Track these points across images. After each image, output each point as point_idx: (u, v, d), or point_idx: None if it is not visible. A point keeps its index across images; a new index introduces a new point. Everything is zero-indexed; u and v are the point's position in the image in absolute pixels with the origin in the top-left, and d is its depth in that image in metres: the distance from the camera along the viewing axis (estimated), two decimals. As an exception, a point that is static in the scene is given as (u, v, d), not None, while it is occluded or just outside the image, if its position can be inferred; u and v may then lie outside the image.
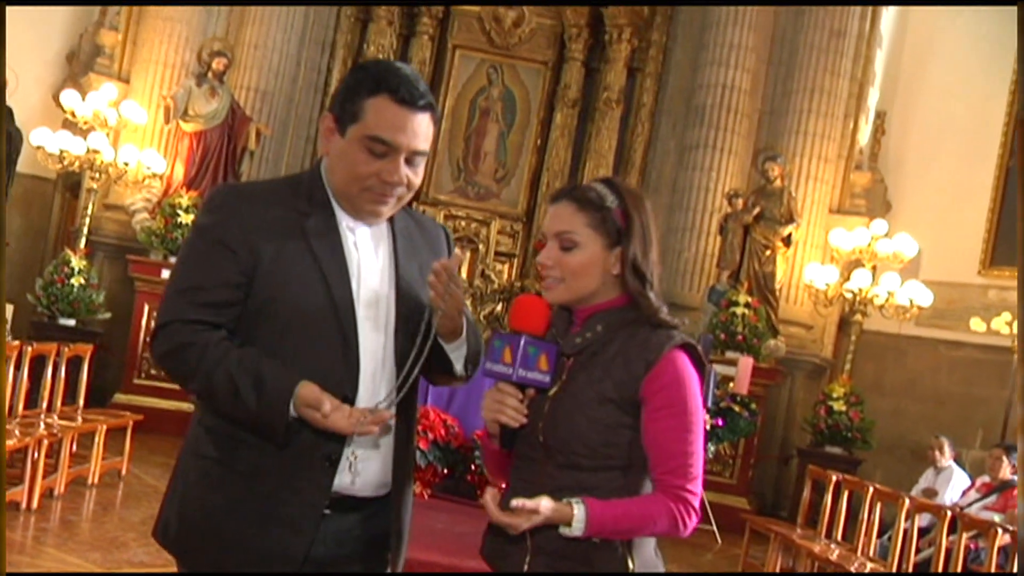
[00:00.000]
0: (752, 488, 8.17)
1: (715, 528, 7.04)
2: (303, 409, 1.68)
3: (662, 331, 1.75)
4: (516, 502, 1.64)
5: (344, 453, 1.76)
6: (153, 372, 7.93)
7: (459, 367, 1.86)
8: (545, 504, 1.64)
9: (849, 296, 8.18)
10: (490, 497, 1.67)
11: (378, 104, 1.72)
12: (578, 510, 1.65)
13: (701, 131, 9.01)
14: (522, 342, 1.71)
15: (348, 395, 1.74)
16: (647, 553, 1.77)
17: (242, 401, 1.70)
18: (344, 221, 1.81)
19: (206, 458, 1.79)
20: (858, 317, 8.18)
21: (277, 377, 1.70)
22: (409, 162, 1.76)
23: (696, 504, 1.72)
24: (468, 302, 8.82)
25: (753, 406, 7.37)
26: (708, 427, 7.05)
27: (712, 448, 7.23)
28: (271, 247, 1.74)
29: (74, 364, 6.12)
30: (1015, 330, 7.74)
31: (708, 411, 7.01)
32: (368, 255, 1.82)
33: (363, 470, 1.79)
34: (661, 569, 1.81)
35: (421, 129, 1.75)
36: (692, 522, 1.72)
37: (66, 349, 5.94)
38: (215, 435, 1.79)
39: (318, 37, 9.63)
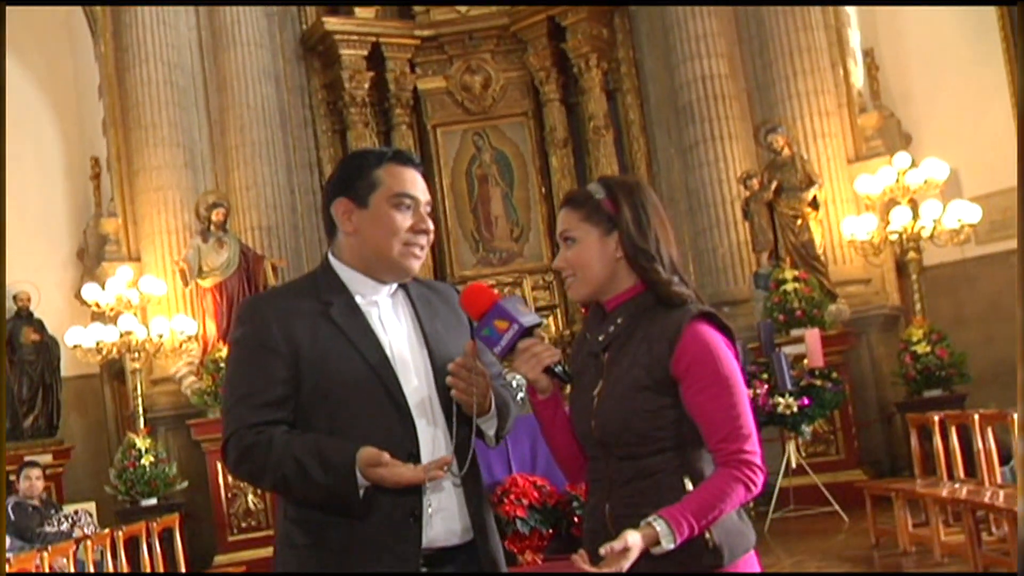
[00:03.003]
0: (863, 458, 8.12)
1: (839, 508, 7.01)
2: (368, 470, 1.84)
3: (678, 309, 1.87)
4: (604, 548, 1.71)
5: (424, 505, 1.93)
6: (244, 525, 8.17)
7: (491, 433, 2.05)
8: (632, 539, 1.71)
9: (896, 238, 8.18)
10: (579, 558, 1.75)
11: (390, 170, 2.01)
12: (660, 526, 1.73)
13: (695, 128, 9.19)
14: (499, 305, 1.92)
15: (413, 452, 1.93)
16: (727, 522, 1.83)
17: (313, 481, 1.87)
18: (362, 300, 2.03)
19: (299, 547, 1.96)
20: (912, 255, 8.16)
21: (338, 449, 1.88)
22: (427, 214, 2.04)
23: (758, 461, 1.81)
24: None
25: (834, 375, 7.42)
26: (796, 410, 7.04)
27: (807, 429, 7.22)
28: (306, 337, 1.96)
29: (167, 538, 6.40)
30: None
31: (790, 394, 7.05)
32: (393, 325, 2.04)
33: (443, 518, 1.97)
34: (747, 530, 1.88)
35: (424, 185, 2.05)
36: (760, 479, 1.81)
37: (154, 525, 6.21)
38: (302, 524, 1.96)
39: (303, 161, 10.03)
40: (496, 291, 1.98)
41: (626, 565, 1.70)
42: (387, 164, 2.01)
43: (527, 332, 1.90)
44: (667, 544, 1.73)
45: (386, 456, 1.83)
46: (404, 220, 1.99)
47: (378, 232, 2.00)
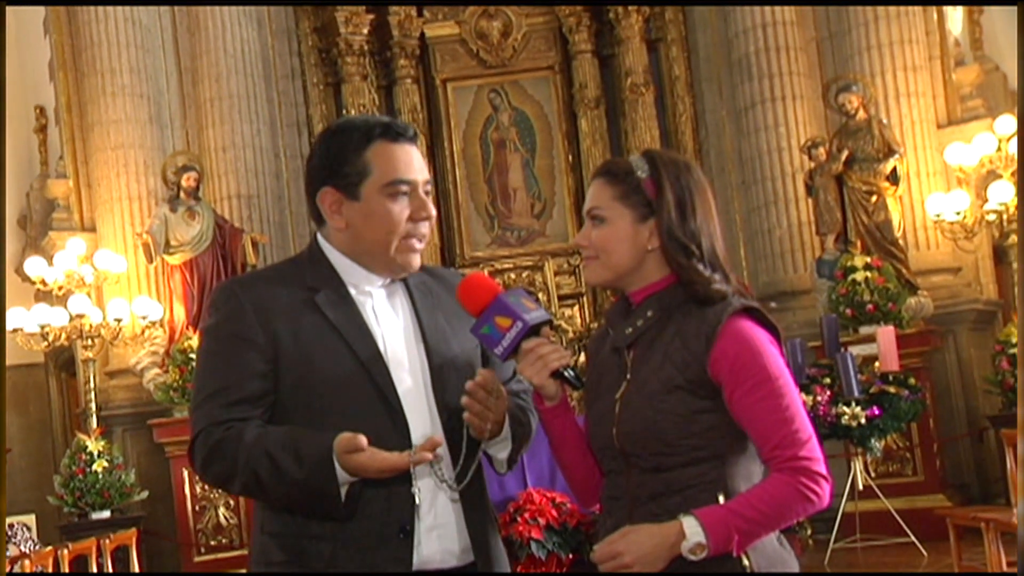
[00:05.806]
0: (947, 480, 8.00)
1: (915, 540, 6.89)
2: (346, 458, 1.88)
3: (718, 304, 1.91)
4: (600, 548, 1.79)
5: (416, 521, 1.99)
6: (214, 543, 8.12)
7: (501, 457, 2.09)
8: (631, 529, 1.78)
9: (993, 218, 8.00)
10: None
11: (379, 151, 2.04)
12: (687, 520, 1.77)
13: (752, 86, 9.08)
14: (500, 299, 1.96)
15: None
16: (767, 547, 1.86)
17: (287, 476, 1.92)
18: (355, 290, 2.09)
19: (275, 564, 2.03)
20: (1013, 239, 8.00)
21: (314, 439, 1.93)
22: (426, 194, 2.09)
23: (821, 468, 1.83)
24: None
25: (912, 381, 7.29)
26: (864, 421, 6.94)
27: (878, 445, 7.11)
28: (288, 328, 2.02)
29: (121, 557, 6.34)
30: None
31: (857, 402, 6.93)
32: (388, 317, 2.10)
33: (439, 536, 2.02)
34: (790, 560, 1.90)
35: (421, 160, 2.10)
36: (823, 490, 1.83)
37: (106, 542, 6.17)
38: (281, 539, 2.03)
39: (290, 120, 9.98)
40: (499, 282, 1.99)
41: (629, 551, 1.75)
42: (376, 143, 2.04)
43: (533, 330, 1.94)
44: (692, 539, 1.75)
45: (363, 440, 1.86)
46: (402, 211, 2.04)
47: (373, 228, 2.04)
